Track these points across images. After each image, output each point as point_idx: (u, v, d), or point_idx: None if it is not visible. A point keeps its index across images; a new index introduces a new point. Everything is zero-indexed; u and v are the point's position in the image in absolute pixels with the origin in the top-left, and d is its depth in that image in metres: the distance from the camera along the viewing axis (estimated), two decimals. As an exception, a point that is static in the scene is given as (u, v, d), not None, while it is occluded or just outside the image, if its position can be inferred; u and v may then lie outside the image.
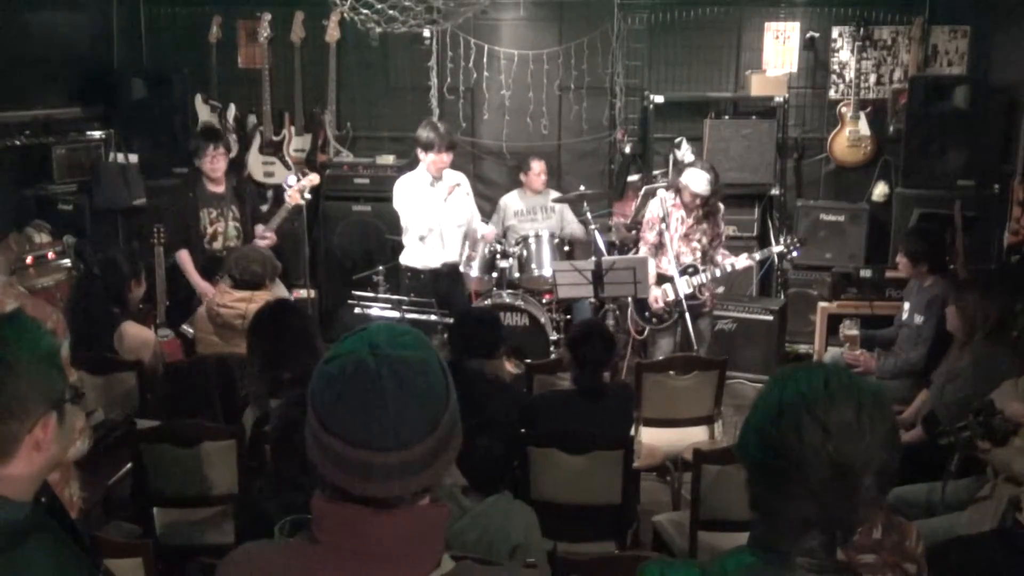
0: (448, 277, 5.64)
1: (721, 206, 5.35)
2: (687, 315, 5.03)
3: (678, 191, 5.20)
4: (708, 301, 5.31)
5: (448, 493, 2.56)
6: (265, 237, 5.44)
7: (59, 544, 1.55)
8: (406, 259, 5.61)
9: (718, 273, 5.23)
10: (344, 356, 1.22)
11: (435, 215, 5.42)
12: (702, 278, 5.19)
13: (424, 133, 5.38)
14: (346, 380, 1.19)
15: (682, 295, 5.06)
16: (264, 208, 6.21)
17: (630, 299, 5.34)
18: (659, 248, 5.27)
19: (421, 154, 5.44)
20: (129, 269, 4.40)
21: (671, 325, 5.31)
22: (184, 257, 5.38)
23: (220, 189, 5.49)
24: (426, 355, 1.24)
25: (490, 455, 2.66)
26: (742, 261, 5.25)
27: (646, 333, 5.45)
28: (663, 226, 5.17)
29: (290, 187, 5.47)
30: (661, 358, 5.17)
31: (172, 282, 5.48)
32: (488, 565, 1.37)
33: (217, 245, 5.46)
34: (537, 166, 6.48)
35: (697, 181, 5.05)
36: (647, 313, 5.33)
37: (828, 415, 1.30)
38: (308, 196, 5.50)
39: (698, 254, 5.25)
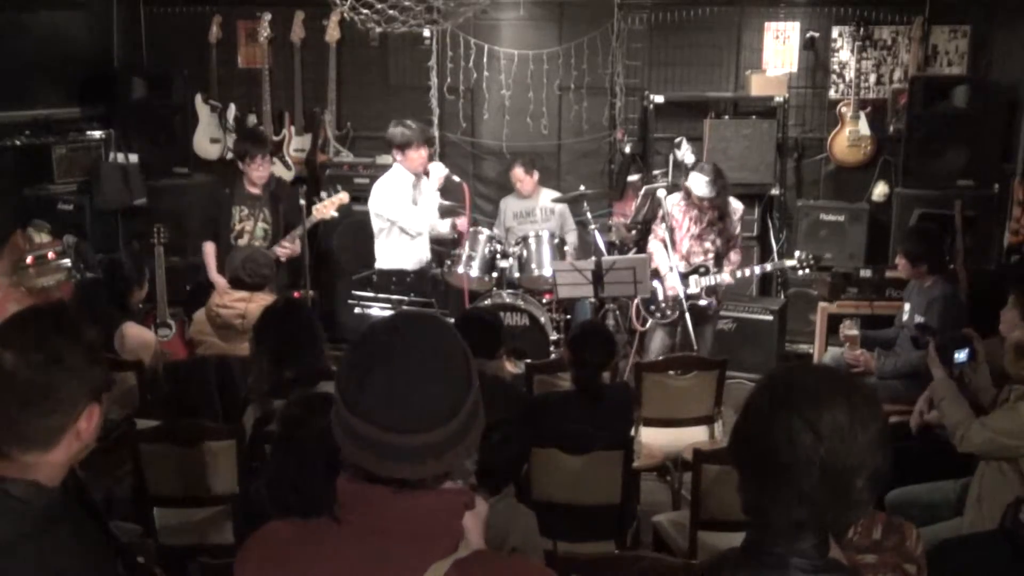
0: (430, 275, 5.70)
1: (738, 207, 5.30)
2: (687, 315, 5.03)
3: (688, 193, 5.21)
4: (713, 305, 5.28)
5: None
6: (284, 247, 5.41)
7: (86, 530, 1.60)
8: (390, 262, 5.56)
9: (727, 279, 5.18)
10: (370, 338, 1.26)
11: (431, 212, 5.45)
12: (712, 280, 5.16)
13: (399, 131, 5.41)
14: (370, 363, 1.23)
15: (682, 294, 5.07)
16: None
17: (642, 294, 5.32)
18: (667, 246, 5.30)
19: (398, 154, 5.45)
20: (133, 274, 4.40)
21: (673, 321, 5.31)
22: (208, 249, 5.46)
23: (257, 190, 5.52)
24: (450, 342, 1.27)
25: (502, 452, 2.66)
26: (753, 270, 5.26)
27: (648, 325, 5.46)
28: (663, 226, 5.19)
29: (320, 201, 5.46)
30: (654, 353, 5.25)
31: (188, 274, 5.60)
32: (506, 556, 1.38)
33: (243, 242, 5.48)
34: (517, 171, 6.35)
35: (697, 184, 5.05)
36: (652, 307, 5.34)
37: (819, 418, 1.29)
38: (335, 214, 5.46)
39: (711, 256, 5.24)
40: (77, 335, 1.61)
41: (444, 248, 6.02)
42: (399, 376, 1.21)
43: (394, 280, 5.56)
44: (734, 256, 5.29)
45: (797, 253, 5.36)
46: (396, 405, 1.20)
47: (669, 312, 5.29)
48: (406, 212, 5.45)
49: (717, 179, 5.05)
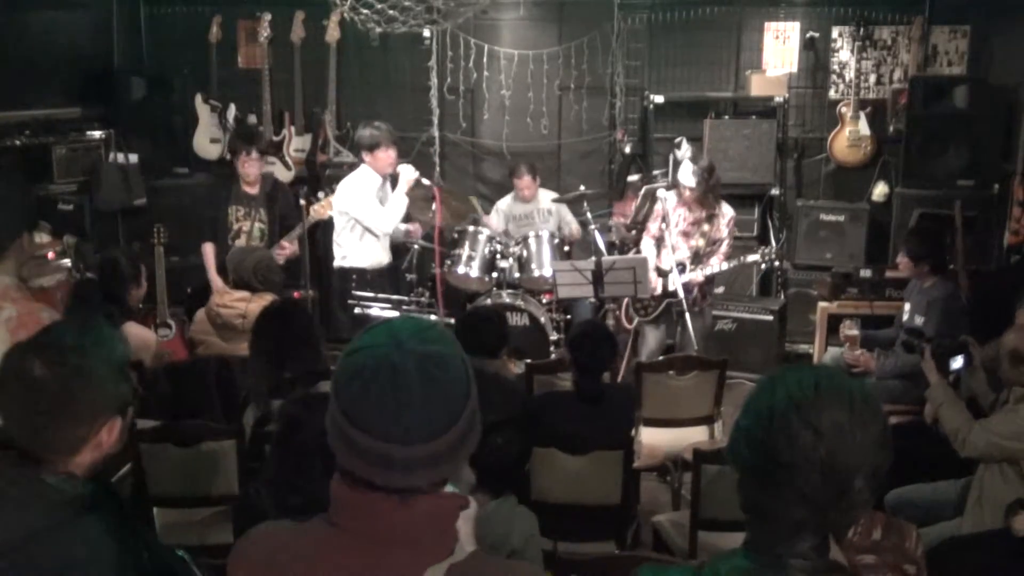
0: (391, 274, 5.73)
1: (728, 212, 5.27)
2: (687, 314, 5.04)
3: (677, 185, 5.27)
4: (698, 301, 5.29)
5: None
6: (284, 247, 5.48)
7: (117, 520, 1.65)
8: (351, 261, 5.54)
9: (698, 276, 5.20)
10: (369, 349, 1.23)
11: (399, 213, 5.46)
12: (686, 277, 5.15)
13: (367, 133, 5.42)
14: (371, 374, 1.20)
15: (670, 289, 5.12)
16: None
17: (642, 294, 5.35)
18: (660, 242, 5.33)
19: (367, 155, 5.45)
20: (130, 272, 4.39)
21: (658, 317, 5.35)
22: (208, 250, 5.57)
23: (253, 190, 5.64)
24: (449, 349, 1.25)
25: (504, 454, 2.66)
26: (718, 267, 5.26)
27: (635, 324, 5.49)
28: (663, 224, 5.20)
29: (318, 201, 5.50)
30: (648, 352, 5.31)
31: (188, 275, 5.66)
32: (500, 559, 1.38)
33: (240, 242, 5.54)
34: (526, 179, 6.31)
35: (685, 173, 5.12)
36: (638, 304, 5.37)
37: (819, 418, 1.29)
38: (331, 214, 5.51)
39: (691, 254, 5.26)
40: (108, 351, 1.67)
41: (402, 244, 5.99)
42: (398, 386, 1.19)
43: (354, 278, 5.56)
44: (714, 260, 5.28)
45: (761, 248, 5.43)
46: (395, 416, 1.18)
47: (651, 310, 5.33)
48: (373, 211, 5.45)
49: (705, 174, 5.06)
